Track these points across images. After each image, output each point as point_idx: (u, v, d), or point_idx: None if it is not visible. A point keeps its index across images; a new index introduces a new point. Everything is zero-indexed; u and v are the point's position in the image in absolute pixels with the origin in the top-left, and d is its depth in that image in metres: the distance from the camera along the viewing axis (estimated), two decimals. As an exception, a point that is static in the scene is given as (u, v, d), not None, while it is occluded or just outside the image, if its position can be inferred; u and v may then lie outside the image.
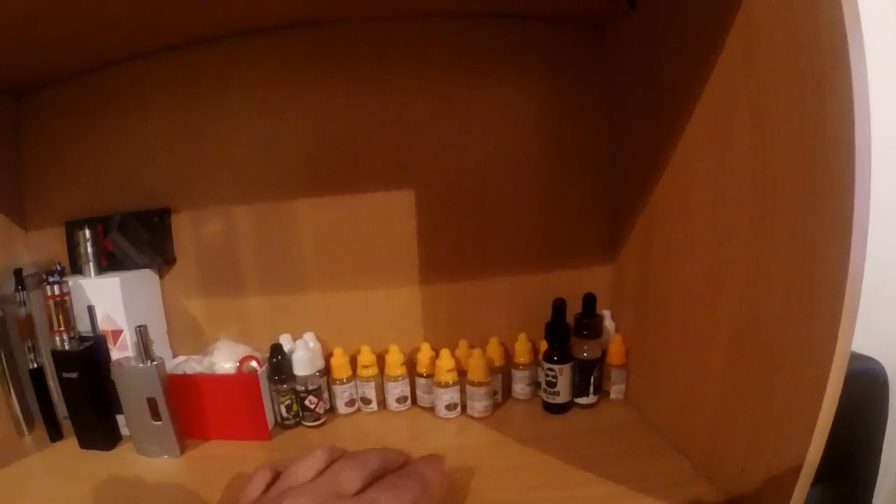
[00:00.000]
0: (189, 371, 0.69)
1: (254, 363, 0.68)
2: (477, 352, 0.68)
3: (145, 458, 0.65)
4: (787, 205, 0.41)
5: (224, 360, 0.69)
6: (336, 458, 0.37)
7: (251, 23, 0.68)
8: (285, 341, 0.72)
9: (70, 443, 0.68)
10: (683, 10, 0.53)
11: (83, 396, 0.65)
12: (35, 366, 0.69)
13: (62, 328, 0.64)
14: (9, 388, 0.70)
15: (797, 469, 0.40)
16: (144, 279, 0.73)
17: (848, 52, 0.34)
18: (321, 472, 0.35)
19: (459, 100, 0.71)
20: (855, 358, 0.38)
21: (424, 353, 0.71)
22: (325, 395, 0.72)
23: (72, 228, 0.73)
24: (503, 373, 0.73)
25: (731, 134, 0.47)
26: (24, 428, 0.71)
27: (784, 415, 0.42)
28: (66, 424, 0.68)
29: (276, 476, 0.37)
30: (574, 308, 0.70)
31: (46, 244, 0.76)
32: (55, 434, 0.70)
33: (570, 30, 0.71)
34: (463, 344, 0.73)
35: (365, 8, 0.67)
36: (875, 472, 0.76)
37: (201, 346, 0.76)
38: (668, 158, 0.58)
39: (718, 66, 0.48)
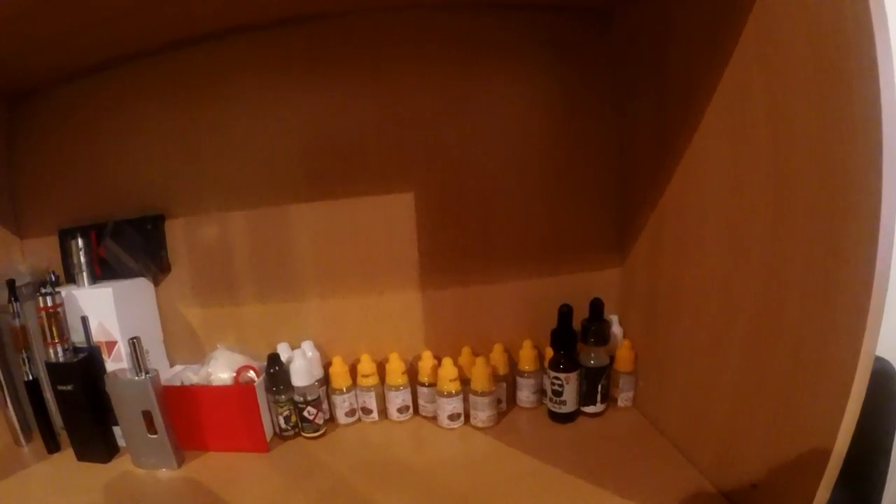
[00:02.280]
0: (185, 381, 0.68)
1: (251, 373, 0.67)
2: (481, 360, 0.66)
3: (142, 471, 0.63)
4: (807, 203, 0.39)
5: (221, 369, 0.67)
6: None
7: (243, 19, 0.65)
8: (283, 350, 0.70)
9: (67, 454, 0.67)
10: (692, 1, 0.50)
11: (78, 409, 0.64)
12: (30, 377, 0.68)
13: (56, 340, 0.63)
14: (5, 400, 0.69)
15: (815, 482, 0.38)
16: (139, 287, 0.72)
17: (874, 42, 0.32)
18: None
19: (461, 95, 0.69)
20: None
21: (426, 362, 0.69)
22: (325, 406, 0.70)
23: (65, 237, 0.72)
24: (507, 380, 0.71)
25: (746, 128, 0.45)
26: (22, 439, 0.70)
27: (803, 424, 0.40)
28: (64, 435, 0.67)
29: None
30: (580, 313, 0.68)
31: (42, 251, 0.75)
32: (52, 446, 0.69)
33: (576, 20, 0.68)
34: (466, 351, 0.71)
35: (358, 1, 0.64)
36: (885, 472, 0.75)
37: (199, 354, 0.74)
38: (679, 155, 0.55)
39: (732, 57, 0.45)
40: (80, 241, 0.67)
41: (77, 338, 0.66)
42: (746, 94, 0.44)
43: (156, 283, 0.74)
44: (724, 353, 0.50)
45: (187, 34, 0.67)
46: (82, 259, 0.67)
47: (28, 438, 0.71)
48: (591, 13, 0.67)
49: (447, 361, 0.66)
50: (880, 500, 0.75)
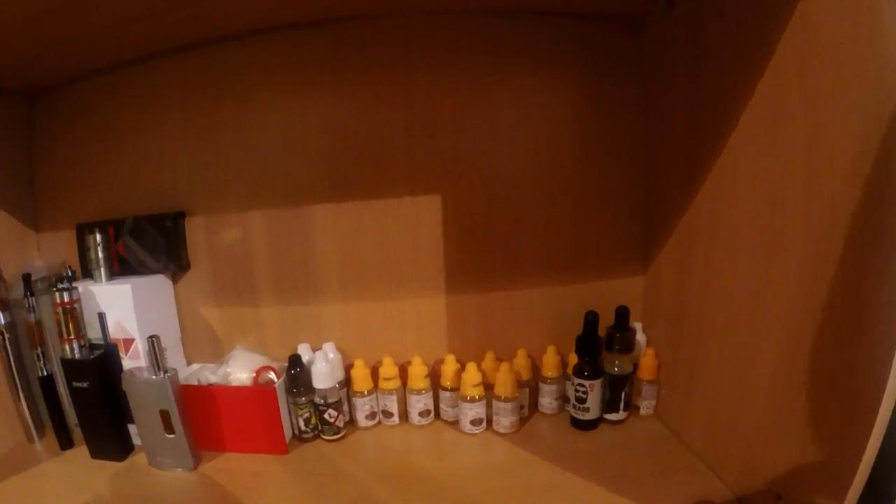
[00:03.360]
0: (203, 380, 0.67)
1: (271, 374, 0.66)
2: (505, 366, 0.65)
3: (157, 471, 0.62)
4: (841, 220, 0.38)
5: (240, 370, 0.66)
6: None
7: (269, 20, 0.64)
8: (304, 351, 0.69)
9: (81, 451, 0.66)
10: (728, 11, 0.49)
11: (94, 406, 0.63)
12: (44, 373, 0.66)
13: (72, 336, 0.62)
14: (18, 395, 0.67)
15: (840, 497, 0.38)
16: (157, 285, 0.71)
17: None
18: None
19: (488, 101, 0.68)
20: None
21: (449, 366, 0.68)
22: (345, 408, 0.69)
23: (83, 232, 0.70)
24: (530, 386, 0.70)
25: (783, 141, 0.44)
26: (35, 435, 0.69)
27: (831, 439, 0.40)
28: (78, 432, 0.66)
29: None
30: (604, 320, 0.67)
31: (59, 246, 0.74)
32: (65, 442, 0.68)
33: (605, 28, 0.67)
34: (489, 356, 0.70)
35: (389, 4, 0.63)
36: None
37: (217, 353, 0.73)
38: (711, 164, 0.54)
39: (769, 69, 0.44)
40: (98, 236, 0.66)
41: (93, 334, 0.64)
42: (783, 108, 0.43)
43: (175, 281, 0.73)
44: (754, 366, 0.49)
45: (212, 34, 0.65)
46: (100, 254, 0.66)
47: (41, 434, 0.70)
48: (621, 22, 0.66)
49: (471, 366, 0.65)
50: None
